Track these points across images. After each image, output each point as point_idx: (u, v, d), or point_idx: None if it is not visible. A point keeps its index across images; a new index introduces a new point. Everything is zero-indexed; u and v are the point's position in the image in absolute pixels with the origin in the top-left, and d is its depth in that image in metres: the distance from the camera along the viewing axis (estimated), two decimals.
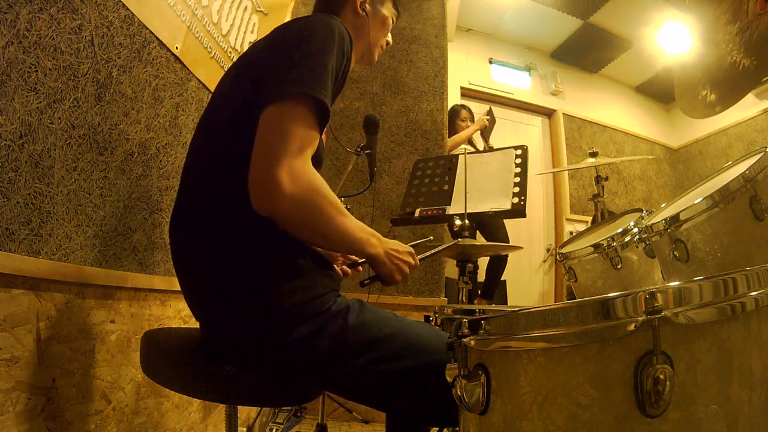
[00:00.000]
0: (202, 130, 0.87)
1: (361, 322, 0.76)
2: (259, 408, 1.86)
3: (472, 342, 0.55)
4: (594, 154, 2.36)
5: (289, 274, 0.75)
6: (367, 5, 1.02)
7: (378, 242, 0.82)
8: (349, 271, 1.08)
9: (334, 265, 1.03)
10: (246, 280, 0.74)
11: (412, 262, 0.89)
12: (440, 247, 1.19)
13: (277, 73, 0.75)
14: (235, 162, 0.75)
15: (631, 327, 0.43)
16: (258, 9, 1.81)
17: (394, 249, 0.85)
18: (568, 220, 4.03)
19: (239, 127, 0.76)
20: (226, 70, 1.57)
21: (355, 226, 0.78)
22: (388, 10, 1.06)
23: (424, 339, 0.79)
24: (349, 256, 1.08)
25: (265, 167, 0.68)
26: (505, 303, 3.29)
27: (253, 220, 0.71)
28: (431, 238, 1.28)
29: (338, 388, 0.78)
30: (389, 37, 1.09)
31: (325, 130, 0.91)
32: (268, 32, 0.90)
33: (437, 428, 0.98)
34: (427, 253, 1.09)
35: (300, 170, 0.69)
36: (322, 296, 0.76)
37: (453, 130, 3.09)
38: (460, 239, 1.35)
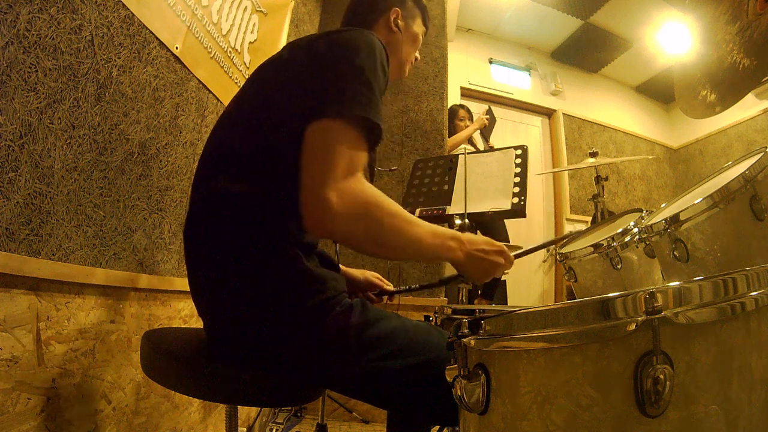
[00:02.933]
0: (222, 131, 0.86)
1: (364, 321, 0.77)
2: (259, 408, 1.86)
3: (472, 342, 0.55)
4: (594, 154, 2.36)
5: (296, 278, 0.75)
6: (399, 21, 1.03)
7: (458, 245, 0.80)
8: (375, 299, 1.11)
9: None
10: (255, 282, 0.74)
11: (502, 261, 0.85)
12: (543, 244, 1.17)
13: (323, 92, 0.75)
14: (252, 168, 0.75)
15: (631, 327, 0.43)
16: (258, 9, 1.81)
17: (479, 249, 0.82)
18: (568, 220, 4.03)
19: (267, 133, 0.77)
20: (226, 69, 1.58)
21: (425, 232, 0.75)
22: (418, 27, 1.08)
23: (426, 337, 0.80)
24: (376, 287, 1.14)
25: (314, 189, 0.69)
26: (505, 303, 3.29)
27: (262, 222, 0.71)
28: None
29: (341, 387, 0.79)
30: (417, 53, 1.11)
31: None
32: (301, 40, 0.88)
33: (437, 428, 0.98)
34: (525, 249, 1.03)
35: (349, 189, 0.69)
36: (329, 299, 0.76)
37: (451, 131, 3.09)
38: (571, 232, 1.30)
